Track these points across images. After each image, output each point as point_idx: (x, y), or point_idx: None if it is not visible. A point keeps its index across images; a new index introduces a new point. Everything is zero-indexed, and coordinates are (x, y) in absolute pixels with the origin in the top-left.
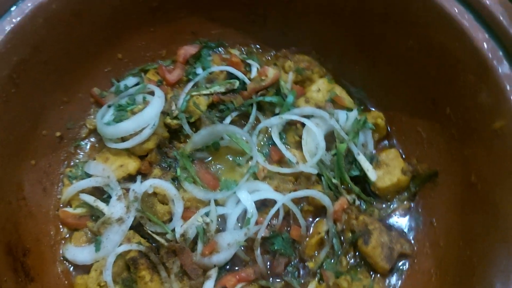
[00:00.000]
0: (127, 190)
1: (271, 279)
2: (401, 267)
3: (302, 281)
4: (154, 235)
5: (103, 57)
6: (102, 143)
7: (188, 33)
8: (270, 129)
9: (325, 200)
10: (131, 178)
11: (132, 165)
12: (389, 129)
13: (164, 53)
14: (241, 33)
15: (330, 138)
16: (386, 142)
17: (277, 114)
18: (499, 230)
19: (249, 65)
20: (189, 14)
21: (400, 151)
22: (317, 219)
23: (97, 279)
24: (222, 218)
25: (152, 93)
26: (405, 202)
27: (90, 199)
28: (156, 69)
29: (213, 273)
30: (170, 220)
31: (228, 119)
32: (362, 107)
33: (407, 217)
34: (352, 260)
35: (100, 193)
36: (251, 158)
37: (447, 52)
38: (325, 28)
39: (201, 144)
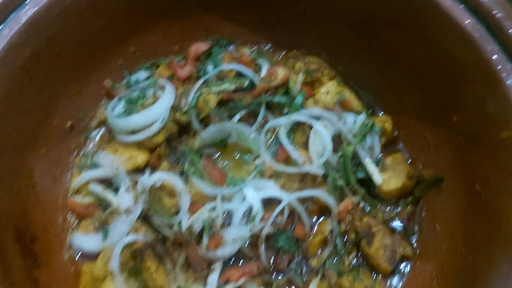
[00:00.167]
0: (135, 182)
1: (274, 275)
2: (402, 270)
3: (305, 279)
4: (161, 227)
5: (116, 50)
6: (112, 134)
7: (201, 30)
8: (278, 128)
9: (330, 200)
10: (139, 170)
11: (141, 157)
12: (396, 134)
13: (176, 48)
14: (253, 32)
15: (337, 140)
16: (392, 146)
17: (286, 114)
18: (501, 237)
19: (259, 65)
20: (203, 11)
21: (407, 155)
22: (321, 218)
23: (103, 267)
24: (228, 214)
25: (162, 88)
26: (409, 206)
27: (98, 189)
28: (168, 64)
29: (217, 266)
30: (177, 213)
31: (236, 117)
32: (370, 111)
33: (411, 221)
34: (354, 260)
35: (109, 183)
36: (258, 156)
37: (457, 61)
38: (336, 32)
39: (210, 140)
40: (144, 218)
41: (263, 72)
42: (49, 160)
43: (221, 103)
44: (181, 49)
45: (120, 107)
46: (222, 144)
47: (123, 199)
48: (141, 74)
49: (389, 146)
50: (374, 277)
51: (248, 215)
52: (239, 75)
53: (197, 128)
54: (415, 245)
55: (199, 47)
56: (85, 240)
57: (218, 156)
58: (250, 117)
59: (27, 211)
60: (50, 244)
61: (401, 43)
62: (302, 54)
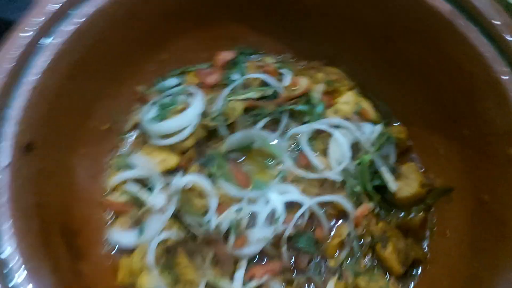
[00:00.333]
0: (168, 183)
1: (295, 273)
2: (414, 272)
3: (323, 278)
4: (191, 226)
5: (150, 57)
6: (145, 136)
7: (228, 39)
8: (299, 136)
9: (347, 205)
10: (171, 172)
11: (172, 160)
12: (410, 144)
13: (204, 56)
14: (277, 42)
15: (355, 148)
16: (406, 155)
17: (307, 122)
18: (507, 246)
19: (283, 74)
20: (230, 22)
21: (419, 165)
22: (339, 222)
23: (140, 261)
24: (253, 215)
25: (192, 95)
26: (421, 213)
27: (135, 188)
28: (196, 72)
29: (243, 263)
30: (206, 213)
31: (260, 124)
32: (386, 121)
33: (423, 227)
34: (369, 262)
35: (143, 183)
36: (281, 161)
37: (470, 79)
38: (355, 44)
39: (236, 146)
40: (176, 217)
41: (286, 81)
42: (88, 160)
43: (246, 110)
44: (209, 57)
45: (153, 111)
46: (247, 149)
47: (157, 199)
48: (172, 81)
49: (403, 155)
50: (388, 278)
51: (271, 217)
52: (264, 83)
53: (224, 133)
54: (426, 249)
55: (226, 55)
56: (121, 235)
57: (242, 160)
58: (273, 124)
59: (70, 207)
60: (90, 239)
61: (418, 58)
62: (322, 64)
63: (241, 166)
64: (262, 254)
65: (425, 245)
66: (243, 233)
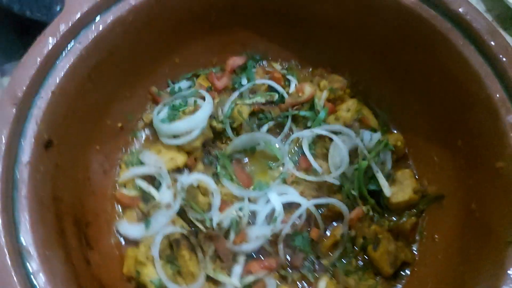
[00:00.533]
0: (175, 180)
1: (290, 270)
2: (402, 274)
3: (316, 275)
4: (195, 222)
5: (163, 60)
6: (156, 136)
7: (238, 45)
8: (301, 140)
9: (343, 208)
10: (178, 170)
11: (180, 159)
12: (406, 151)
13: (215, 60)
14: (284, 49)
15: (354, 153)
16: (402, 162)
17: (309, 127)
18: (491, 254)
19: (289, 80)
20: (240, 29)
21: (414, 172)
22: (334, 223)
23: (145, 253)
24: (253, 214)
25: (202, 98)
26: (413, 217)
27: (144, 184)
28: (207, 75)
29: (241, 259)
30: (209, 210)
31: (265, 127)
32: (385, 128)
33: (413, 231)
34: (361, 262)
35: (151, 180)
36: (283, 164)
37: (465, 95)
38: (359, 54)
39: (240, 147)
40: (181, 212)
41: (292, 87)
42: (102, 155)
43: (252, 114)
44: (219, 61)
45: (164, 112)
46: (251, 151)
47: (164, 195)
48: (183, 83)
49: (399, 162)
50: (377, 279)
51: (271, 216)
52: (270, 89)
53: (230, 135)
54: (415, 252)
55: (235, 61)
56: (129, 228)
57: (246, 161)
58: (277, 128)
59: (83, 200)
60: (100, 230)
61: (418, 71)
62: (327, 72)
63: (245, 167)
64: (260, 251)
65: (414, 248)
66: (243, 231)
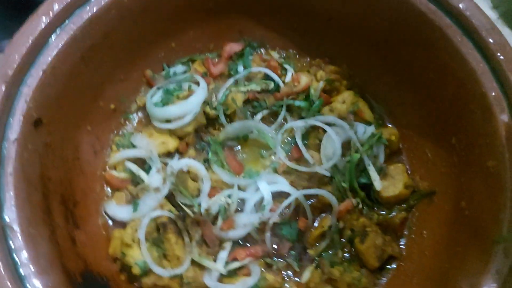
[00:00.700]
0: (165, 164)
1: (275, 258)
2: (388, 267)
3: (302, 265)
4: (183, 206)
5: (159, 44)
6: (148, 119)
7: (235, 31)
8: (295, 130)
9: (332, 200)
10: (169, 154)
11: (172, 143)
12: (400, 146)
13: (211, 46)
14: (282, 38)
15: (347, 146)
16: (396, 156)
17: (303, 117)
18: (476, 252)
19: (285, 69)
20: (238, 15)
21: (407, 167)
22: (323, 214)
23: (131, 235)
24: (242, 201)
25: (197, 83)
26: (403, 212)
27: (133, 167)
28: (203, 60)
29: (228, 245)
30: (198, 195)
31: (259, 116)
32: (380, 122)
33: (402, 225)
34: (347, 254)
35: (142, 163)
36: (274, 153)
37: (461, 91)
38: (358, 47)
39: (233, 134)
40: (169, 196)
41: (288, 77)
42: (93, 136)
43: (246, 102)
44: (216, 47)
45: (158, 96)
46: (243, 139)
47: (153, 178)
48: (179, 68)
49: (392, 156)
50: (362, 271)
51: (259, 204)
52: (266, 77)
53: (223, 122)
54: (403, 247)
55: (233, 47)
56: (117, 209)
57: (238, 149)
58: (271, 117)
59: (72, 179)
60: (88, 210)
61: (417, 66)
62: (324, 63)
63: (236, 154)
64: (247, 238)
65: (402, 243)
66: (231, 217)
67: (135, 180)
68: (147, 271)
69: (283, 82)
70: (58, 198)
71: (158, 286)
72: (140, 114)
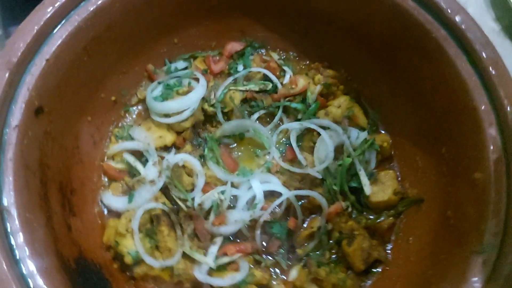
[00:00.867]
0: (162, 158)
1: (264, 255)
2: (374, 271)
3: (290, 263)
4: (177, 200)
5: (161, 39)
6: (147, 112)
7: (237, 31)
8: (290, 131)
9: (323, 202)
10: (166, 148)
11: (169, 138)
12: (392, 153)
13: (213, 44)
14: (283, 39)
15: (340, 149)
16: (387, 163)
17: (299, 119)
18: (459, 261)
19: (284, 71)
20: (241, 15)
21: (397, 173)
22: (312, 216)
23: (125, 225)
24: (234, 198)
25: (197, 80)
26: (391, 218)
27: (131, 158)
28: (204, 58)
29: (219, 240)
30: (192, 190)
31: (256, 115)
32: (374, 128)
33: (390, 231)
34: (334, 256)
35: (139, 155)
36: (269, 153)
37: (453, 103)
38: (356, 52)
39: (229, 132)
40: (165, 190)
41: (286, 78)
42: (93, 127)
43: (244, 101)
44: (218, 45)
45: (158, 90)
46: (239, 137)
47: (149, 171)
48: (180, 64)
49: (384, 163)
50: (348, 273)
51: (251, 202)
52: (265, 77)
53: (221, 119)
54: (389, 251)
55: (234, 46)
56: (113, 199)
57: (234, 147)
58: (268, 117)
59: (71, 168)
60: (85, 198)
61: (412, 75)
62: (323, 67)
63: (232, 152)
64: (237, 234)
65: (388, 248)
66: (223, 213)
67: (132, 172)
68: (139, 261)
69: (281, 83)
70: (56, 185)
71: (149, 276)
72: (140, 107)
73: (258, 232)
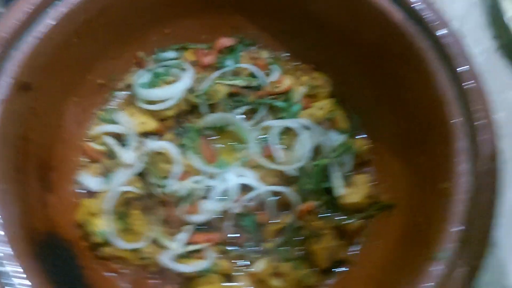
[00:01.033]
0: (141, 143)
1: (231, 247)
2: (337, 271)
3: (256, 256)
4: (152, 186)
5: (153, 28)
6: (133, 98)
7: (229, 27)
8: (270, 128)
9: (294, 198)
10: (147, 135)
11: (151, 125)
12: (369, 158)
13: (204, 38)
14: (274, 39)
15: (318, 150)
16: (364, 167)
17: (281, 118)
18: (424, 268)
19: (272, 70)
20: (233, 11)
21: (373, 178)
22: (284, 212)
23: (99, 205)
24: (208, 189)
25: (185, 71)
26: (361, 220)
27: (111, 141)
28: (194, 50)
29: (188, 229)
30: (168, 177)
31: (239, 110)
32: (354, 132)
33: (359, 233)
34: (300, 252)
35: (120, 139)
36: (248, 148)
37: (429, 115)
38: (344, 57)
39: (212, 124)
40: (141, 175)
41: (273, 77)
42: (78, 107)
43: (229, 95)
44: (209, 39)
45: (146, 77)
46: (221, 130)
47: (128, 155)
48: (170, 54)
49: (361, 166)
50: (312, 270)
51: (224, 194)
52: (252, 74)
53: (204, 111)
54: (356, 253)
55: (226, 41)
56: (90, 180)
57: (214, 139)
58: (251, 113)
59: (52, 145)
60: (62, 176)
61: (397, 84)
62: (310, 69)
63: (212, 144)
64: (207, 224)
65: (356, 250)
66: (196, 202)
67: (111, 155)
68: (108, 241)
69: (267, 81)
70: (36, 160)
71: (116, 256)
72: (126, 93)
73: (228, 223)
